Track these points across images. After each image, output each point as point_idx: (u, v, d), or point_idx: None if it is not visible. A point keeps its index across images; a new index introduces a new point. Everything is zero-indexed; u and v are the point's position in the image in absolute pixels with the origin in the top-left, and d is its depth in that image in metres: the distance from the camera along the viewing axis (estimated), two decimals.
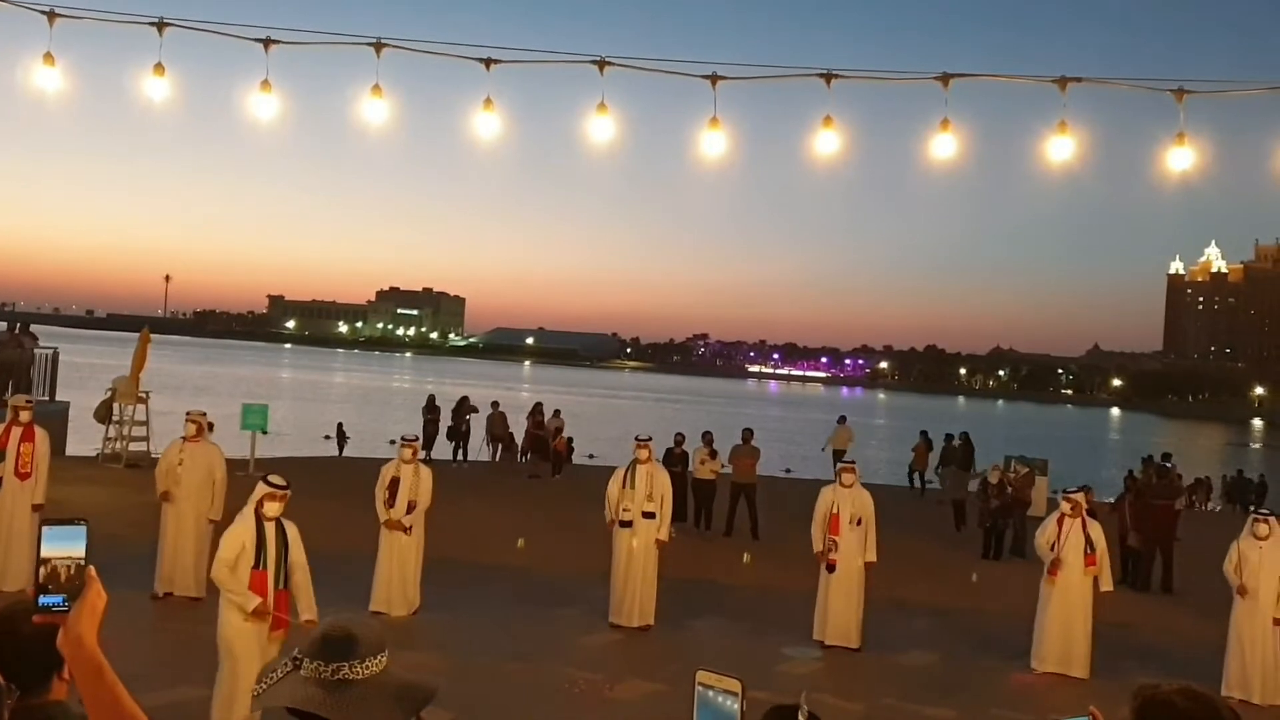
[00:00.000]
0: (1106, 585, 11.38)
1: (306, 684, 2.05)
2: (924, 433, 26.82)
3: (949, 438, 25.46)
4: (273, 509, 7.59)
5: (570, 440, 27.84)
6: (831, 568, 11.59)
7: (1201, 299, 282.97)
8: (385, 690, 2.07)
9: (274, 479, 7.66)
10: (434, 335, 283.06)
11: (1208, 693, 2.38)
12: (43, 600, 2.03)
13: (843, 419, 26.95)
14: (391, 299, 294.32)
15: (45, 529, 2.07)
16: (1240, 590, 10.67)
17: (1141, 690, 2.38)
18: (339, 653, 2.05)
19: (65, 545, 2.05)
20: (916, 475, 26.38)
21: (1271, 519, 10.90)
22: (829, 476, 25.71)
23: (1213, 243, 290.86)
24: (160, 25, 7.83)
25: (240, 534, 7.48)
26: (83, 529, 2.07)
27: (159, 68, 8.22)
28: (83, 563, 2.06)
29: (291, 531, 7.69)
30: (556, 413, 28.42)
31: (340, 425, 30.94)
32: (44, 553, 2.05)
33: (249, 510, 7.60)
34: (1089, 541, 11.22)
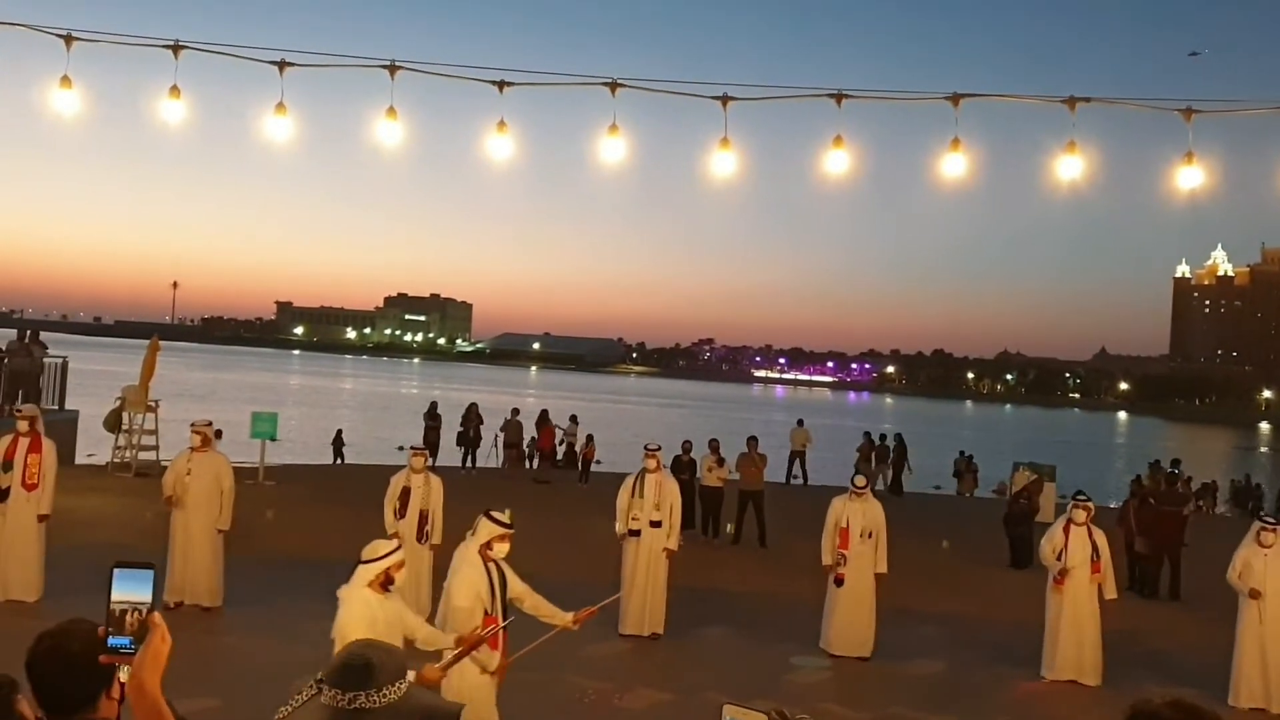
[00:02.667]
0: (1111, 593, 11.36)
1: (324, 711, 2.10)
2: (867, 433, 28.24)
3: (883, 437, 27.33)
4: (502, 549, 6.86)
5: (572, 445, 28.09)
6: (840, 582, 11.58)
7: (1208, 302, 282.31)
8: (406, 717, 2.10)
9: (499, 516, 6.96)
10: (441, 341, 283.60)
11: (1199, 705, 2.38)
12: (111, 641, 2.11)
13: (800, 421, 28.24)
14: (399, 305, 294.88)
15: (116, 571, 2.15)
16: (1253, 594, 10.61)
17: (1135, 705, 2.40)
18: (357, 681, 2.09)
19: (133, 588, 2.13)
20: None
21: (1279, 529, 10.88)
22: (834, 483, 26.51)
23: (1219, 246, 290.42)
24: (176, 48, 7.92)
25: (474, 580, 6.68)
26: (150, 574, 2.15)
27: (174, 90, 8.32)
28: (148, 607, 2.13)
29: (505, 565, 7.00)
30: (573, 418, 28.58)
31: (339, 432, 31.02)
32: (114, 595, 2.13)
33: (473, 552, 6.79)
34: (1095, 549, 11.21)
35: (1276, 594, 10.58)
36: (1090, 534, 11.26)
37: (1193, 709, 2.37)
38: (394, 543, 6.25)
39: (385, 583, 6.02)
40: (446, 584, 6.73)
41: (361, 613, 5.88)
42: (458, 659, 5.90)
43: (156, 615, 2.14)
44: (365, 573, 6.03)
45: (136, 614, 2.12)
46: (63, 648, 2.41)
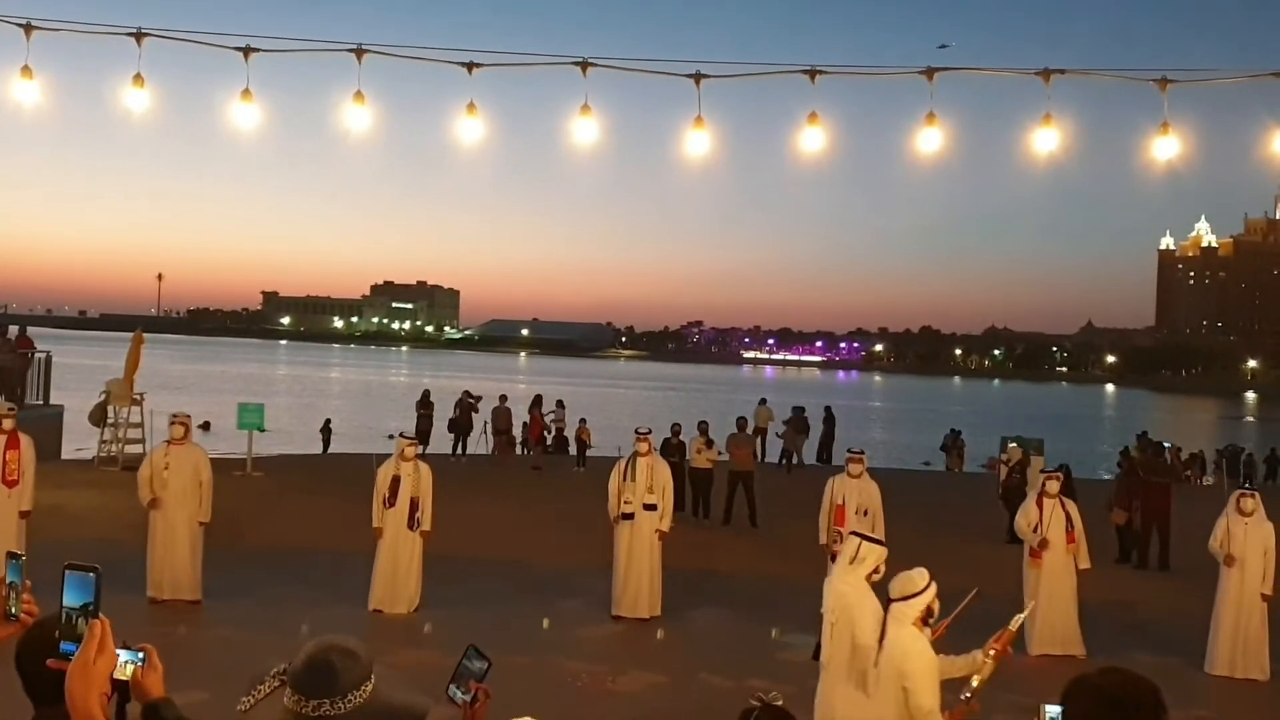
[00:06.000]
0: (1085, 563, 11.42)
1: (286, 715, 2.04)
2: (796, 408, 29.14)
3: (802, 410, 28.42)
4: (881, 572, 6.28)
5: (560, 430, 28.09)
6: (835, 558, 11.60)
7: (1192, 274, 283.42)
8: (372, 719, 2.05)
9: (878, 536, 6.47)
10: (429, 328, 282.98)
11: (1131, 672, 2.45)
12: (62, 647, 2.09)
13: (763, 400, 29.54)
14: (386, 293, 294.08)
15: (67, 573, 2.10)
16: (1228, 561, 10.68)
17: (1075, 677, 2.46)
18: (318, 688, 2.03)
19: (78, 592, 2.09)
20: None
21: (1257, 495, 10.98)
22: (821, 463, 27.02)
23: (1202, 217, 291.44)
24: (139, 35, 7.81)
25: (879, 611, 5.92)
26: (91, 578, 2.09)
27: (138, 78, 8.22)
28: (76, 614, 2.08)
29: None
30: (560, 403, 28.54)
31: (328, 421, 30.97)
32: (65, 599, 2.09)
33: (863, 581, 6.23)
34: (1069, 519, 11.30)
35: (1255, 561, 10.66)
36: (1063, 505, 11.36)
37: (1125, 673, 2.43)
38: (925, 573, 5.67)
39: (927, 617, 5.54)
40: (842, 618, 6.20)
41: (932, 657, 5.36)
42: (987, 678, 5.37)
43: (96, 624, 2.07)
44: (908, 610, 5.51)
45: (78, 620, 2.07)
46: (49, 639, 2.39)
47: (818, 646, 6.63)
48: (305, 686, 2.03)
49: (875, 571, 6.27)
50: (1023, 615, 5.50)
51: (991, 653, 5.32)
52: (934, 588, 5.57)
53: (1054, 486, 11.48)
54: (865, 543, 6.43)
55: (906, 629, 5.47)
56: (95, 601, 2.08)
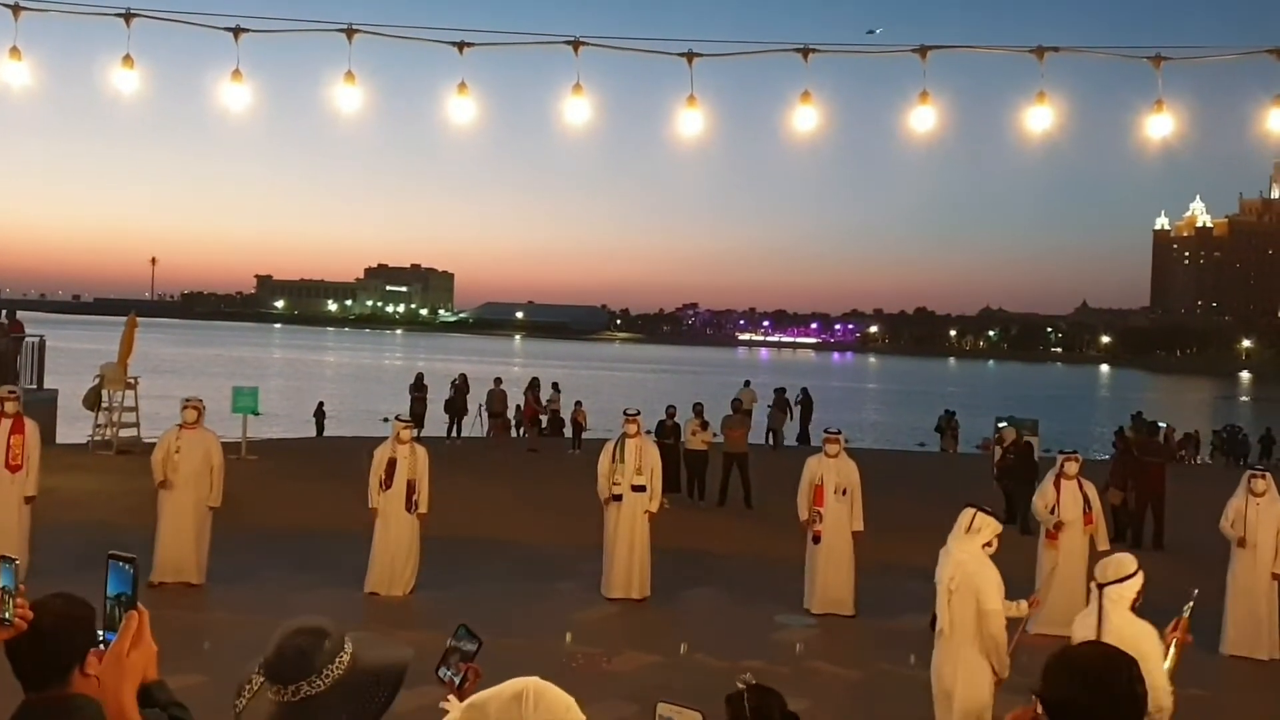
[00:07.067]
0: (1103, 544, 11.41)
1: (273, 707, 2.03)
2: (778, 389, 29.71)
3: (782, 391, 29.19)
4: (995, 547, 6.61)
5: (556, 412, 28.12)
6: (817, 539, 11.62)
7: (1188, 254, 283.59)
8: (356, 688, 2.05)
9: (994, 510, 6.68)
10: (424, 311, 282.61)
11: (1109, 646, 2.54)
12: (105, 636, 2.12)
13: (747, 382, 29.62)
14: (380, 276, 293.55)
15: (110, 563, 2.11)
16: (1241, 542, 10.66)
17: (1056, 651, 2.52)
18: (295, 672, 2.02)
19: (117, 581, 2.09)
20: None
21: (1268, 475, 10.94)
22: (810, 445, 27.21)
23: (1197, 197, 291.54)
24: (128, 16, 7.75)
25: (1000, 580, 6.50)
26: (128, 569, 2.09)
27: (128, 59, 8.15)
28: (113, 604, 2.07)
29: None
30: (555, 386, 28.56)
31: (320, 404, 30.94)
32: (108, 589, 2.11)
33: (980, 551, 6.54)
34: (1086, 501, 11.31)
35: (1266, 542, 10.63)
36: (1081, 486, 11.36)
37: (1105, 647, 2.53)
38: (1133, 558, 5.81)
39: (1136, 601, 5.62)
40: (963, 585, 6.42)
41: (1157, 637, 5.44)
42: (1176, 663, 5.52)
43: (132, 615, 2.06)
44: (1125, 592, 5.60)
45: (114, 609, 2.08)
46: (35, 623, 2.38)
47: (933, 617, 6.79)
48: (281, 675, 2.03)
49: (988, 544, 6.46)
50: (1191, 603, 5.60)
51: (1174, 643, 5.46)
52: (1142, 572, 5.67)
53: (1072, 468, 11.48)
54: (980, 514, 6.58)
55: (1126, 613, 5.53)
56: (133, 592, 2.08)
